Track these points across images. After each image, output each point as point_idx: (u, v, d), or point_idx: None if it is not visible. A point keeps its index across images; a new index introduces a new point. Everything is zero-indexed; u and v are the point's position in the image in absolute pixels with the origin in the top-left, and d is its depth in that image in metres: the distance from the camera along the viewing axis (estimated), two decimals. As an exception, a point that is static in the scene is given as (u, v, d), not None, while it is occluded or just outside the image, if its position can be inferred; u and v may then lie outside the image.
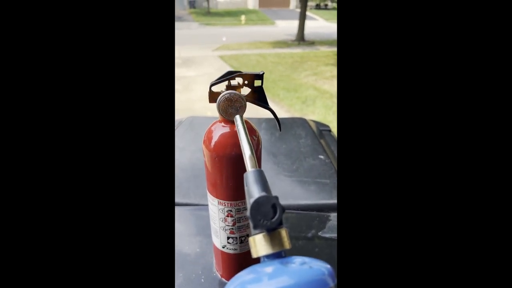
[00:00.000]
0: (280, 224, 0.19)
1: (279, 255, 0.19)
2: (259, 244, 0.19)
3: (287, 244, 0.19)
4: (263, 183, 0.21)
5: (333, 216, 0.48)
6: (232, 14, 13.38)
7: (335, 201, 0.51)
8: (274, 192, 0.60)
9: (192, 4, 15.58)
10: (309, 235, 0.44)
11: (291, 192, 0.53)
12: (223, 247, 0.34)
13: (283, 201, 0.52)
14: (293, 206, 0.50)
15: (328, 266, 0.18)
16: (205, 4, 15.06)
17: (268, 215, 0.19)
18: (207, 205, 0.50)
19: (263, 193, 0.20)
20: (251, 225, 0.20)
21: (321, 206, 0.50)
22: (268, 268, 0.18)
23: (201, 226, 0.45)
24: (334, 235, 0.44)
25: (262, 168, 0.32)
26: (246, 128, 0.26)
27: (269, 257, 0.19)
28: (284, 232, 0.20)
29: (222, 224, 0.32)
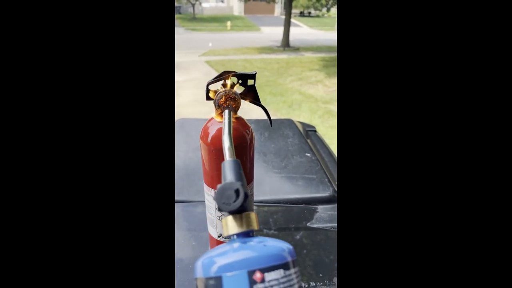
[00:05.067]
0: (242, 207, 0.20)
1: (247, 234, 0.21)
2: (229, 224, 0.21)
3: (255, 225, 0.21)
4: (237, 171, 0.23)
5: (320, 208, 0.52)
6: (218, 20, 13.45)
7: (321, 194, 0.54)
8: (265, 188, 0.63)
9: (177, 10, 15.53)
10: (298, 226, 0.47)
11: (280, 187, 0.56)
12: (218, 237, 0.36)
13: (273, 196, 0.55)
14: (283, 200, 0.53)
15: (290, 245, 0.21)
16: (190, 9, 15.06)
17: (231, 199, 0.20)
18: (200, 201, 0.52)
19: (231, 180, 0.21)
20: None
21: (309, 199, 0.53)
22: (235, 244, 0.20)
23: (195, 221, 0.48)
24: (321, 225, 0.47)
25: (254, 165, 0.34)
26: (231, 123, 0.28)
27: (239, 236, 0.21)
28: (253, 215, 0.22)
29: (219, 214, 0.35)
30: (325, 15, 17.85)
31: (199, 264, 0.20)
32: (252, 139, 0.34)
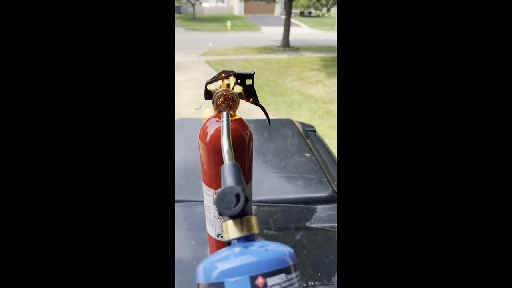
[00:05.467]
0: (242, 211, 0.20)
1: (248, 238, 0.21)
2: (230, 228, 0.21)
3: (255, 229, 0.21)
4: (237, 175, 0.23)
5: (319, 208, 0.52)
6: (218, 20, 13.45)
7: (320, 194, 0.54)
8: (264, 187, 0.63)
9: (177, 10, 15.53)
10: (298, 226, 0.47)
11: (279, 187, 0.56)
12: (217, 236, 0.36)
13: (272, 196, 0.55)
14: (282, 200, 0.53)
15: (291, 249, 0.21)
16: (190, 9, 15.06)
17: (232, 203, 0.21)
18: (199, 201, 0.52)
19: (231, 184, 0.21)
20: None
21: (308, 199, 0.53)
22: (236, 249, 0.20)
23: (194, 221, 0.48)
24: (320, 225, 0.47)
25: (252, 165, 0.34)
26: (229, 125, 0.28)
27: (239, 240, 0.21)
28: (253, 219, 0.22)
29: (217, 214, 0.35)
30: (325, 15, 17.85)
31: (200, 270, 0.20)
32: (250, 138, 0.34)
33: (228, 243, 0.21)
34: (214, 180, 0.33)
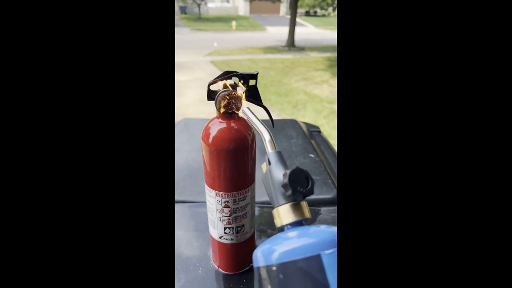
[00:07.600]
0: (312, 193, 0.22)
1: (300, 223, 0.22)
2: (282, 214, 0.22)
3: (307, 214, 0.22)
4: (284, 161, 0.24)
5: (323, 210, 0.51)
6: (223, 20, 13.48)
7: (325, 196, 0.54)
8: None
9: (183, 10, 15.62)
10: (301, 227, 0.47)
11: (283, 188, 0.56)
12: (220, 238, 0.36)
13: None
14: None
15: None
16: (196, 10, 15.13)
17: (303, 184, 0.22)
18: (203, 202, 0.52)
19: (294, 167, 0.22)
20: (281, 195, 0.22)
21: (312, 201, 0.53)
22: (292, 233, 0.21)
23: (197, 222, 0.47)
24: (324, 227, 0.47)
25: (256, 166, 0.34)
26: (257, 116, 0.28)
27: (292, 225, 0.22)
28: (304, 204, 0.23)
29: (219, 215, 0.34)
30: (331, 14, 17.76)
31: (266, 251, 0.20)
32: (253, 139, 0.33)
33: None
34: (217, 182, 0.33)
